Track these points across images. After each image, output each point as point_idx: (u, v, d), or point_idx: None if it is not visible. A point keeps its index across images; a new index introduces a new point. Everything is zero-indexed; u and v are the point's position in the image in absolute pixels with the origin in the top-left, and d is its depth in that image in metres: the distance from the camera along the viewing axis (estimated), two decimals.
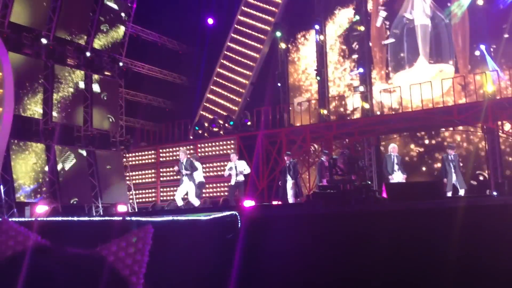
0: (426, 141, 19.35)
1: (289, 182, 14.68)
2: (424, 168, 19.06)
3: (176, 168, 14.11)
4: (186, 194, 13.98)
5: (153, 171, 21.26)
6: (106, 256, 0.84)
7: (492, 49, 18.28)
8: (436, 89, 17.83)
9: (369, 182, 13.47)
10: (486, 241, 5.83)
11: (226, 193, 18.93)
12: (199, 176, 14.40)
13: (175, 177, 20.30)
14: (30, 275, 0.80)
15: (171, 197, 20.04)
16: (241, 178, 14.48)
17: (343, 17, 21.96)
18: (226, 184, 19.30)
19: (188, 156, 14.25)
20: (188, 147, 20.35)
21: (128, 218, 7.15)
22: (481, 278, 5.59)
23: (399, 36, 20.38)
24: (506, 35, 17.80)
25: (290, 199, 14.55)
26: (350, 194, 9.81)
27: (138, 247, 0.87)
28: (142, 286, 0.87)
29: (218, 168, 19.45)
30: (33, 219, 9.78)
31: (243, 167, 14.59)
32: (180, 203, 13.97)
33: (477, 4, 18.72)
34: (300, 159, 19.64)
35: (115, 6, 19.84)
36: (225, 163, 19.55)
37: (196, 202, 13.84)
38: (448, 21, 19.40)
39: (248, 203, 11.80)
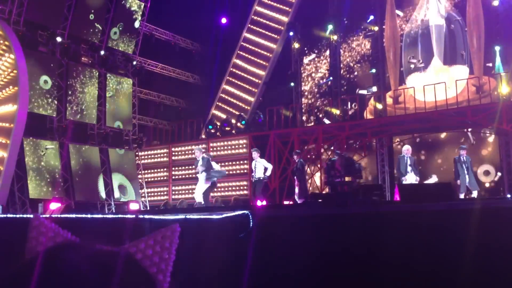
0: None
1: (297, 182, 14.68)
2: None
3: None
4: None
5: (165, 169, 21.35)
6: (134, 253, 0.86)
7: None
8: (450, 90, 17.72)
9: (361, 182, 13.39)
10: (500, 244, 5.78)
11: (237, 193, 18.99)
12: (213, 175, 14.26)
13: (187, 176, 20.45)
14: (57, 271, 0.82)
15: (183, 196, 20.12)
16: (259, 175, 14.28)
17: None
18: (237, 183, 19.36)
19: (204, 154, 14.11)
20: (200, 146, 20.41)
21: (141, 216, 7.17)
22: (495, 282, 5.55)
23: (414, 37, 20.29)
24: None
25: (297, 199, 14.50)
26: (346, 196, 9.81)
27: (166, 246, 0.88)
28: (169, 285, 0.88)
29: (230, 167, 19.48)
30: (47, 216, 9.86)
31: (265, 164, 14.36)
32: (199, 200, 13.75)
33: (493, 5, 18.58)
34: (312, 157, 19.62)
35: (129, 5, 19.95)
36: (237, 162, 19.64)
37: (199, 199, 13.55)
38: (462, 22, 19.28)
39: (260, 202, 11.81)
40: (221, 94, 24.13)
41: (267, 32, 23.65)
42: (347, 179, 12.62)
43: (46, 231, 0.88)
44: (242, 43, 24.19)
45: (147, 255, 0.88)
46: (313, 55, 22.99)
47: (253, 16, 24.25)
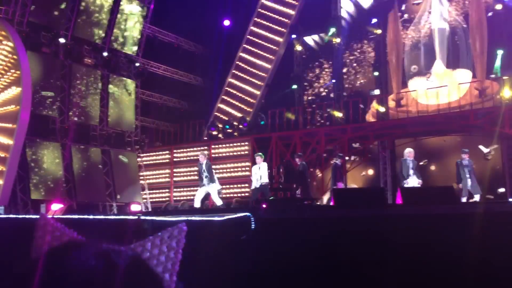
0: None
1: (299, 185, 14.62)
2: None
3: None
4: (205, 197, 13.84)
5: (167, 171, 21.35)
6: (141, 252, 0.86)
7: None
8: (453, 93, 17.71)
9: (298, 190, 13.54)
10: (503, 247, 5.78)
11: (239, 195, 18.95)
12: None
13: (188, 178, 20.44)
14: (64, 270, 0.82)
15: (184, 197, 20.11)
16: (265, 180, 14.19)
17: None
18: (239, 185, 19.34)
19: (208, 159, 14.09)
20: (202, 148, 20.42)
21: (142, 217, 7.18)
22: (498, 284, 5.54)
23: (416, 41, 20.30)
24: None
25: None
26: (287, 202, 9.97)
27: (172, 246, 0.88)
28: (175, 284, 0.88)
29: (232, 169, 19.48)
30: (49, 216, 9.85)
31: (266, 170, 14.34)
32: (198, 205, 13.80)
33: (496, 9, 18.58)
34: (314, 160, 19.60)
35: (132, 7, 19.98)
36: (239, 164, 19.63)
37: (219, 202, 13.66)
38: (465, 26, 19.27)
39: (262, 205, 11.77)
40: (223, 96, 24.13)
41: (269, 35, 23.65)
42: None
43: (53, 230, 0.88)
44: (244, 45, 24.19)
45: (154, 254, 0.88)
46: (316, 58, 23.01)
47: (255, 19, 24.26)
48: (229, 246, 6.10)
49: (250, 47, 24.04)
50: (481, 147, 14.98)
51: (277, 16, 23.69)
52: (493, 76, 18.22)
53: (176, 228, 0.81)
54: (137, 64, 20.37)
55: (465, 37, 19.32)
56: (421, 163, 18.44)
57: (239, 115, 22.38)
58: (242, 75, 23.88)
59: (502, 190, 17.63)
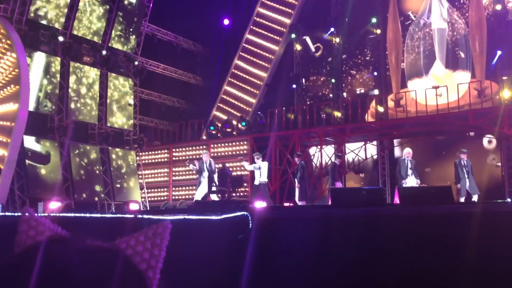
0: None
1: (297, 184, 14.67)
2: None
3: (193, 167, 14.07)
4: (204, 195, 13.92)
5: (165, 170, 21.34)
6: (124, 249, 0.84)
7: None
8: (452, 94, 17.70)
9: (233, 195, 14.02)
10: (501, 248, 5.77)
11: (237, 194, 18.94)
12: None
13: (187, 177, 20.44)
14: (47, 265, 0.80)
15: (183, 196, 20.11)
16: (264, 179, 14.29)
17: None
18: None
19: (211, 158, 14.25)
20: (201, 147, 20.43)
21: (140, 216, 7.18)
22: (496, 285, 5.53)
23: (416, 41, 20.29)
24: None
25: (298, 201, 14.49)
26: (218, 205, 10.15)
27: (156, 242, 0.87)
28: (158, 281, 0.86)
29: (231, 169, 19.45)
30: (46, 214, 9.85)
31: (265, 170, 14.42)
32: (199, 198, 13.89)
33: (495, 9, 18.58)
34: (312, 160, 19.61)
35: (132, 5, 19.96)
36: (237, 163, 19.62)
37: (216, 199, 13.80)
38: (465, 26, 19.27)
39: (259, 204, 11.78)
40: (222, 95, 24.14)
41: (269, 34, 23.66)
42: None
43: (36, 225, 0.86)
44: (244, 44, 24.19)
45: (138, 251, 0.87)
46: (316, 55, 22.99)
47: (255, 18, 24.26)
48: (227, 244, 6.09)
49: (249, 47, 24.04)
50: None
51: (276, 16, 23.69)
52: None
53: (160, 225, 0.79)
54: (136, 63, 20.35)
55: (465, 37, 19.32)
56: (426, 170, 18.48)
57: (238, 114, 22.38)
58: (241, 74, 23.88)
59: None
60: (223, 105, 23.95)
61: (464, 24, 19.39)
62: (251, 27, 24.24)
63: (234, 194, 13.36)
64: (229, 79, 24.12)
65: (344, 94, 21.98)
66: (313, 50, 21.64)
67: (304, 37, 22.72)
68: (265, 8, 24.12)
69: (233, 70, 24.11)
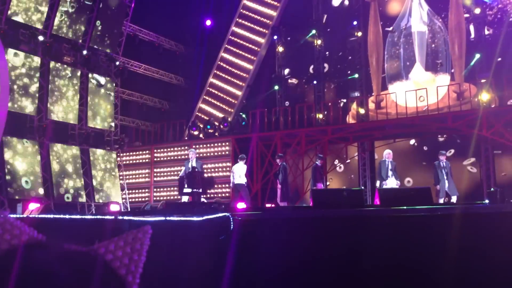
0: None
1: (279, 185, 14.75)
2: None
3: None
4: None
5: (147, 171, 21.22)
6: (103, 254, 0.84)
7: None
8: (432, 96, 17.92)
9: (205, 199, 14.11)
10: (479, 249, 5.85)
11: (219, 195, 18.93)
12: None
13: (169, 178, 20.34)
14: (24, 271, 0.80)
15: (164, 197, 20.01)
16: (241, 180, 14.35)
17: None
18: (220, 185, 19.29)
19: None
20: (182, 147, 20.35)
21: (120, 217, 7.13)
22: (474, 286, 5.61)
23: (396, 43, 20.49)
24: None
25: (279, 202, 14.55)
26: (189, 206, 10.28)
27: (136, 247, 0.87)
28: (138, 286, 0.86)
29: (213, 170, 19.44)
30: (25, 216, 9.72)
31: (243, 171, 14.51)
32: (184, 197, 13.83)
33: (474, 13, 18.84)
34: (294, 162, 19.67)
35: (113, 5, 19.81)
36: (220, 164, 19.61)
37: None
38: (445, 29, 19.51)
39: (240, 205, 11.80)
40: (204, 96, 24.10)
41: (251, 35, 23.69)
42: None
43: (11, 228, 0.86)
44: (226, 45, 24.19)
45: (117, 256, 0.87)
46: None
47: (238, 19, 24.27)
48: (208, 245, 6.08)
49: (231, 48, 24.04)
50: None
51: (258, 17, 23.73)
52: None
53: (140, 230, 0.79)
54: (117, 63, 20.20)
55: (444, 41, 19.56)
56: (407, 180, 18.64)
57: (220, 115, 22.36)
58: (223, 75, 23.87)
59: None
60: (205, 106, 23.91)
61: (443, 27, 19.63)
62: (233, 28, 24.24)
63: (204, 196, 13.41)
64: (211, 80, 24.10)
65: (326, 96, 22.07)
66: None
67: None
68: (247, 10, 24.15)
69: (215, 71, 24.09)
